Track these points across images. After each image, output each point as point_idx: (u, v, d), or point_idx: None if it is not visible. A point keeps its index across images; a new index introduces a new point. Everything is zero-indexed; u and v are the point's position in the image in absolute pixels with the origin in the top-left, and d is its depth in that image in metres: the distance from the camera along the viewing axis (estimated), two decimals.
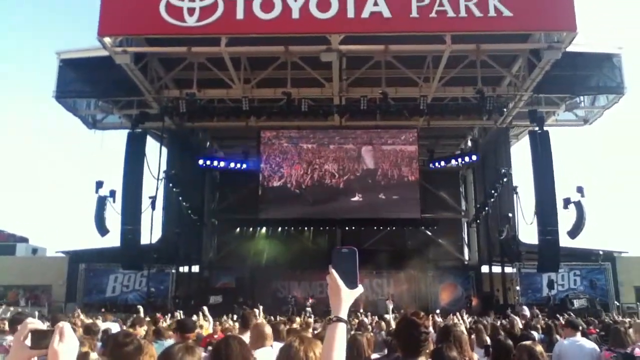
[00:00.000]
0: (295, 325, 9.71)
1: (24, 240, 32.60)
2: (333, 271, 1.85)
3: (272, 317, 14.83)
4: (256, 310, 8.80)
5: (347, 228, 27.09)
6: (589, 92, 23.67)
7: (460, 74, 21.33)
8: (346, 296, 1.84)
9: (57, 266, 28.09)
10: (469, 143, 28.75)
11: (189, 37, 18.79)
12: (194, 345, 2.68)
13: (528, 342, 4.68)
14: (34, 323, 1.79)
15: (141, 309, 10.96)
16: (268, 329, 5.26)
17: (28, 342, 1.76)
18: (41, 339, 1.76)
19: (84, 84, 22.49)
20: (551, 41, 18.84)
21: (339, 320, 1.81)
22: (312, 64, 20.82)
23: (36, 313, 14.26)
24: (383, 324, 11.02)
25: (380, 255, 25.50)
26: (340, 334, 1.79)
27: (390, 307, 22.57)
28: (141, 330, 8.16)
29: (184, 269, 28.39)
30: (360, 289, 1.87)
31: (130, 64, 19.51)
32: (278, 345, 6.14)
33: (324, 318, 13.99)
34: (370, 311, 20.56)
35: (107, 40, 18.55)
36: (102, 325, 8.79)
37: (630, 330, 6.77)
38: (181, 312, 14.15)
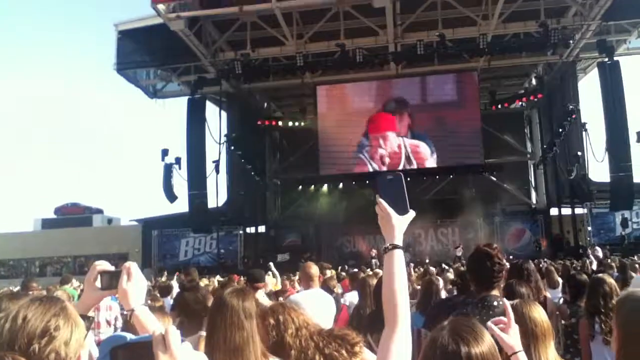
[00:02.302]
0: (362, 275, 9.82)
1: (99, 211, 34.01)
2: (381, 200, 1.77)
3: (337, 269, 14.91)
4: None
5: (408, 179, 26.75)
6: None
7: (521, 8, 20.36)
8: (398, 223, 1.75)
9: (132, 234, 29.35)
10: (533, 81, 27.57)
11: None
12: (247, 289, 2.66)
13: (601, 275, 4.59)
14: (102, 265, 1.81)
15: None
16: (315, 270, 5.27)
17: (98, 283, 1.78)
18: (111, 280, 1.79)
19: (142, 54, 22.92)
20: None
21: (395, 247, 1.74)
22: (365, 12, 20.35)
23: None
24: (451, 270, 10.99)
25: (444, 205, 25.19)
26: (398, 261, 1.72)
27: (460, 254, 22.56)
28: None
29: (251, 229, 29.12)
30: (412, 214, 1.77)
31: (185, 29, 19.74)
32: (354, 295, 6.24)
33: None
34: (436, 261, 20.50)
35: (161, 7, 18.76)
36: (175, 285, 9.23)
37: None
38: None
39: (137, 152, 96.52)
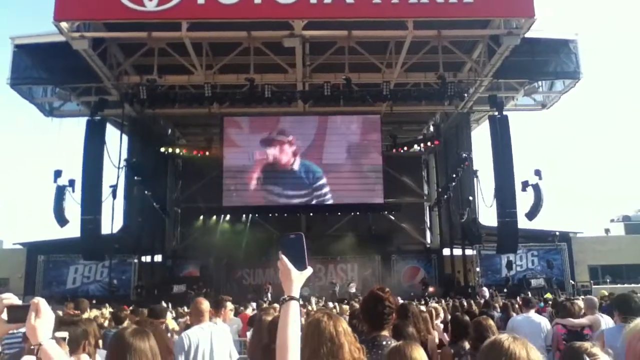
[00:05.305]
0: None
1: None
2: (283, 256, 1.98)
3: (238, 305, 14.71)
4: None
5: (311, 214, 27.16)
6: (547, 77, 24.09)
7: (422, 60, 21.52)
8: (296, 277, 1.97)
9: (15, 258, 27.38)
10: (431, 128, 29.10)
11: (149, 22, 18.40)
12: (147, 329, 2.72)
13: (480, 317, 4.90)
14: (10, 299, 1.86)
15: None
16: (205, 305, 5.33)
17: (4, 316, 1.83)
18: (18, 314, 1.84)
19: (40, 71, 21.77)
20: (510, 27, 19.15)
21: (292, 298, 1.95)
22: (275, 50, 20.67)
23: None
24: (346, 307, 11.14)
25: (344, 241, 25.64)
26: (293, 311, 1.93)
27: (353, 290, 23.00)
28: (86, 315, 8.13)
29: (147, 258, 28.03)
30: (309, 270, 2.00)
31: (88, 49, 18.97)
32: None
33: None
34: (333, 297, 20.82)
35: (64, 25, 17.97)
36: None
37: (580, 304, 7.22)
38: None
39: (25, 171, 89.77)
